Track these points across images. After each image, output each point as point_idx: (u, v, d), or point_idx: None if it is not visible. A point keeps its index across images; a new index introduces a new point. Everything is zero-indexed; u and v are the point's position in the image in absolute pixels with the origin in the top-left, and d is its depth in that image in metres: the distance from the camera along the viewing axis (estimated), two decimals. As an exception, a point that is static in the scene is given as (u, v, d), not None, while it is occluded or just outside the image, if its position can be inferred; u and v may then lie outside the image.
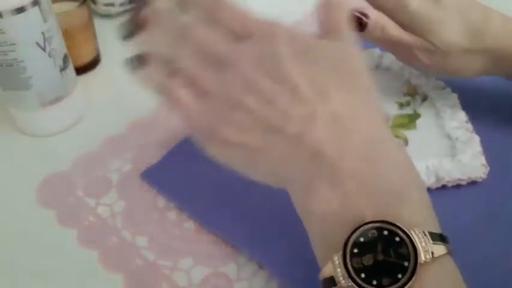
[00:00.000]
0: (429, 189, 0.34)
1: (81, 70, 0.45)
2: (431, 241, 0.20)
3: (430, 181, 0.33)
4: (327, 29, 0.27)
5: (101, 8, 0.53)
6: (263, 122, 0.23)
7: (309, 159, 0.23)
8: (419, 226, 0.21)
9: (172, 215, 0.33)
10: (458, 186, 0.34)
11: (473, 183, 0.34)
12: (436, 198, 0.33)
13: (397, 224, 0.20)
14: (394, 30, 0.36)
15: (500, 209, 0.33)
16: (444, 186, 0.34)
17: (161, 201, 0.33)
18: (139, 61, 0.28)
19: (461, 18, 0.35)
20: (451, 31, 0.34)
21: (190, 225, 0.32)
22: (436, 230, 0.22)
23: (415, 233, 0.20)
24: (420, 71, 0.42)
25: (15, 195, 0.34)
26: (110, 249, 0.30)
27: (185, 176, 0.34)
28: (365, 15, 0.36)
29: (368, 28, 0.36)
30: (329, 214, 0.21)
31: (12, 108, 0.38)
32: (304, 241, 0.24)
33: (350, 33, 0.27)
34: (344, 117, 0.23)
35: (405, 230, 0.20)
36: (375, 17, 0.36)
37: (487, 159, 0.35)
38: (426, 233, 0.20)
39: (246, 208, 0.33)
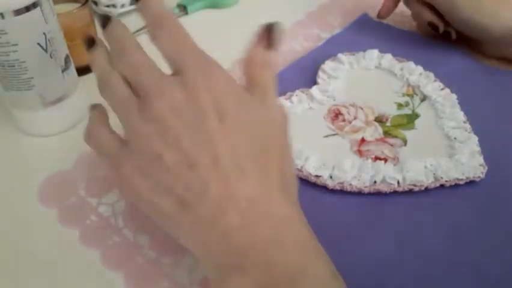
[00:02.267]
0: (427, 189, 0.34)
1: (82, 71, 0.45)
2: None
3: (429, 181, 0.34)
4: (252, 84, 0.27)
5: (102, 9, 0.53)
6: (178, 189, 0.23)
7: (218, 243, 0.23)
8: None
9: (173, 214, 0.33)
10: (456, 186, 0.34)
11: (471, 183, 0.34)
12: (434, 198, 0.34)
13: None
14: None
15: (498, 209, 0.33)
16: (442, 186, 0.34)
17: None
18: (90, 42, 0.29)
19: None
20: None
21: (191, 224, 0.32)
22: None
23: None
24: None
25: (17, 195, 0.34)
26: (112, 248, 0.31)
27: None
28: (437, 25, 0.47)
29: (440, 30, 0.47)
30: None
31: (14, 109, 0.38)
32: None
33: (274, 94, 0.28)
34: (258, 203, 0.23)
35: None
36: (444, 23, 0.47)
37: (485, 159, 0.35)
38: None
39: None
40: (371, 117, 0.40)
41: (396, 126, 0.39)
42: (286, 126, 0.28)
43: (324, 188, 0.34)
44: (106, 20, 0.28)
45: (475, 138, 0.37)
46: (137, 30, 0.52)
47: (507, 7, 0.43)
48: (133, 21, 0.54)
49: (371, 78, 0.45)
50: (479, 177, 0.34)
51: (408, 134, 0.38)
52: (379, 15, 0.53)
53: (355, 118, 0.40)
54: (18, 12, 0.32)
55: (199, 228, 0.23)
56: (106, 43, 0.29)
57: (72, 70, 0.38)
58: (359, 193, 0.34)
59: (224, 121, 0.24)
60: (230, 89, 0.26)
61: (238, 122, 0.25)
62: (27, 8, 0.32)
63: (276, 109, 0.28)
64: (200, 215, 0.23)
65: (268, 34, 0.28)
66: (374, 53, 0.46)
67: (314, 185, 0.34)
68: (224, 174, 0.23)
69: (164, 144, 0.24)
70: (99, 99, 0.43)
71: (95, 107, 0.30)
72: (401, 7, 0.55)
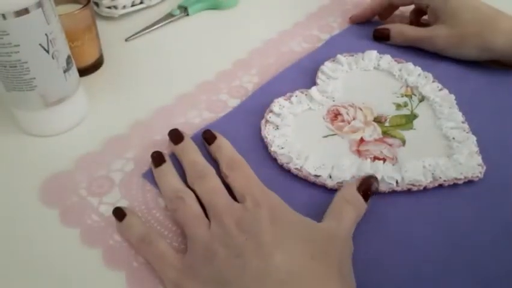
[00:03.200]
0: (426, 189, 0.34)
1: (84, 71, 0.45)
2: None
3: (427, 180, 0.34)
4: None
5: (103, 11, 0.53)
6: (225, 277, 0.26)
7: None
8: None
9: (174, 213, 0.33)
10: (455, 185, 0.34)
11: (469, 182, 0.35)
12: (433, 198, 0.34)
13: None
14: (411, 31, 0.48)
15: (496, 208, 0.33)
16: (441, 186, 0.34)
17: (162, 201, 0.34)
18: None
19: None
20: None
21: (191, 223, 0.32)
22: None
23: None
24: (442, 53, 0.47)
25: (18, 194, 0.35)
26: (113, 247, 0.31)
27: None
28: (386, 29, 0.50)
29: (391, 36, 0.49)
30: None
31: (16, 109, 0.38)
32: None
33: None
34: None
35: None
36: (394, 26, 0.49)
37: (483, 159, 0.36)
38: None
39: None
40: (370, 118, 0.40)
41: (395, 126, 0.39)
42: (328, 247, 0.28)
43: (323, 187, 0.34)
44: (178, 137, 0.36)
45: (473, 138, 0.37)
46: (139, 31, 0.53)
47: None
48: (134, 22, 0.54)
49: (369, 79, 0.45)
50: (477, 177, 0.35)
51: (406, 134, 0.38)
52: (351, 18, 0.55)
53: (354, 118, 0.40)
54: (20, 13, 0.32)
55: None
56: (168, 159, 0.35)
57: (74, 71, 0.39)
58: (358, 193, 0.34)
59: (275, 226, 0.28)
60: (289, 217, 0.30)
61: (287, 229, 0.28)
62: (29, 9, 0.32)
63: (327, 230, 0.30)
64: None
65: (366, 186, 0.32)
66: (373, 54, 0.46)
67: (313, 185, 0.34)
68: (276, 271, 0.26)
69: (217, 242, 0.28)
70: (101, 99, 0.43)
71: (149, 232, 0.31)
72: (401, 7, 0.56)
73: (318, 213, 0.31)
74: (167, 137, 0.37)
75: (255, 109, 0.41)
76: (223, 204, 0.30)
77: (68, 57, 0.38)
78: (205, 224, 0.30)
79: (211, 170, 0.33)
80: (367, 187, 0.32)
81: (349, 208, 0.31)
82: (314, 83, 0.44)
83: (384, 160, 0.36)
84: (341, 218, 0.30)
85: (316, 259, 0.26)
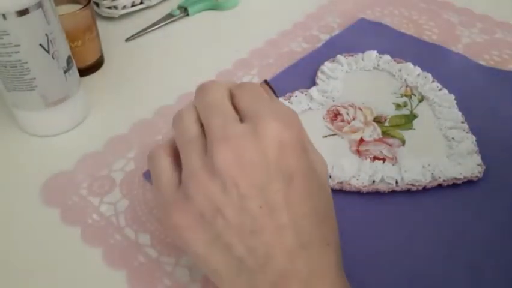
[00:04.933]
0: (425, 188, 0.34)
1: (84, 71, 0.45)
2: None
3: (426, 180, 0.34)
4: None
5: (104, 11, 0.53)
6: (239, 251, 0.22)
7: None
8: None
9: (174, 213, 0.33)
10: (454, 185, 0.34)
11: (469, 182, 0.35)
12: (432, 198, 0.34)
13: None
14: None
15: (496, 208, 0.33)
16: (440, 186, 0.34)
17: (163, 200, 0.34)
18: None
19: None
20: None
21: (191, 223, 0.32)
22: None
23: None
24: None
25: (19, 194, 0.35)
26: (114, 246, 0.31)
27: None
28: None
29: None
30: None
31: (16, 109, 0.38)
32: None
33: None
34: (318, 277, 0.22)
35: None
36: None
37: (482, 159, 0.36)
38: None
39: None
40: (370, 118, 0.40)
41: (395, 126, 0.39)
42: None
43: (323, 187, 0.34)
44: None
45: (472, 138, 0.37)
46: (139, 31, 0.53)
47: None
48: (134, 22, 0.54)
49: (369, 79, 0.45)
50: (476, 176, 0.35)
51: (406, 134, 0.39)
52: None
53: (354, 118, 0.40)
54: (20, 13, 0.32)
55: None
56: None
57: (74, 71, 0.39)
58: (358, 192, 0.34)
59: (291, 184, 0.23)
60: (299, 144, 0.24)
61: (305, 186, 0.23)
62: (29, 9, 0.32)
63: (321, 161, 0.26)
64: (258, 282, 0.22)
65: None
66: (373, 54, 0.46)
67: (313, 185, 0.35)
68: (289, 245, 0.22)
69: (226, 201, 0.22)
70: (101, 99, 0.43)
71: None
72: (400, 8, 0.56)
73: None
74: (167, 137, 0.37)
75: (255, 109, 0.41)
76: (219, 123, 0.23)
77: (69, 57, 0.38)
78: (200, 151, 0.24)
79: (216, 83, 0.26)
80: None
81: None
82: (314, 83, 0.44)
83: (383, 160, 0.36)
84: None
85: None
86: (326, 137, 0.38)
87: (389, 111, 0.41)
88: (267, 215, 0.22)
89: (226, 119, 0.24)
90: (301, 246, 0.22)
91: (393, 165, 0.35)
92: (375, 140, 0.38)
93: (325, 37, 0.52)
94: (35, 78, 0.35)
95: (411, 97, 0.42)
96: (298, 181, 0.23)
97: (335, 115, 0.40)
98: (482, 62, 0.48)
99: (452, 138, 0.37)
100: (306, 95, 0.42)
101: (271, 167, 0.22)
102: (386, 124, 0.40)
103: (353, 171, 0.35)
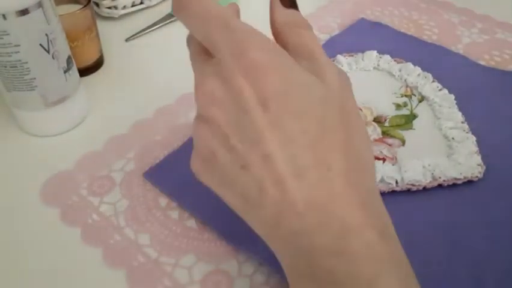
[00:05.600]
0: (425, 189, 0.34)
1: (84, 72, 0.45)
2: None
3: (426, 180, 0.34)
4: (293, 52, 0.23)
5: (104, 11, 0.53)
6: (237, 188, 0.22)
7: (282, 244, 0.21)
8: None
9: (174, 213, 0.33)
10: (454, 185, 0.34)
11: (469, 182, 0.35)
12: (432, 198, 0.34)
13: None
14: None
15: (496, 209, 0.33)
16: (440, 186, 0.34)
17: (163, 200, 0.34)
18: None
19: None
20: None
21: (191, 223, 0.32)
22: None
23: None
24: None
25: (19, 194, 0.35)
26: (114, 246, 0.31)
27: (187, 175, 0.35)
28: None
29: None
30: None
31: (16, 109, 0.38)
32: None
33: (324, 56, 0.23)
34: (319, 206, 0.20)
35: None
36: None
37: (483, 159, 0.36)
38: None
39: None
40: (370, 118, 0.40)
41: (395, 126, 0.39)
42: (349, 95, 0.23)
43: (323, 187, 0.34)
44: None
45: (472, 138, 0.37)
46: (139, 31, 0.53)
47: None
48: (135, 23, 0.54)
49: (369, 79, 0.45)
50: (476, 177, 0.35)
51: (406, 134, 0.39)
52: None
53: (354, 118, 0.40)
54: (20, 13, 0.32)
55: (263, 227, 0.22)
56: None
57: (74, 71, 0.39)
58: (358, 192, 0.34)
59: (268, 108, 0.21)
60: (271, 63, 0.21)
61: (284, 106, 0.21)
62: (29, 9, 0.32)
63: (332, 75, 0.23)
64: (261, 217, 0.21)
65: None
66: (373, 54, 0.46)
67: (313, 185, 0.35)
68: (278, 174, 0.20)
69: (215, 143, 0.22)
70: (101, 99, 0.43)
71: None
72: (400, 8, 0.56)
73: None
74: (167, 137, 0.37)
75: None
76: (194, 60, 0.24)
77: (69, 57, 0.38)
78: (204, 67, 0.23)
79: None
80: None
81: (307, 35, 0.23)
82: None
83: (383, 160, 0.36)
84: (318, 63, 0.23)
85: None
86: (326, 137, 0.38)
87: (389, 111, 0.41)
88: (249, 149, 0.21)
89: (193, 56, 0.24)
90: (292, 174, 0.20)
91: (393, 165, 0.35)
92: (375, 140, 0.38)
93: (325, 37, 0.52)
94: (35, 78, 0.35)
95: (411, 97, 0.42)
96: (274, 104, 0.21)
97: (335, 115, 0.40)
98: (482, 62, 0.48)
99: (452, 138, 0.37)
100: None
101: (243, 99, 0.21)
102: (386, 124, 0.40)
103: (353, 171, 0.35)
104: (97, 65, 0.47)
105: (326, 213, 0.20)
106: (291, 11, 0.25)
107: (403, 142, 0.38)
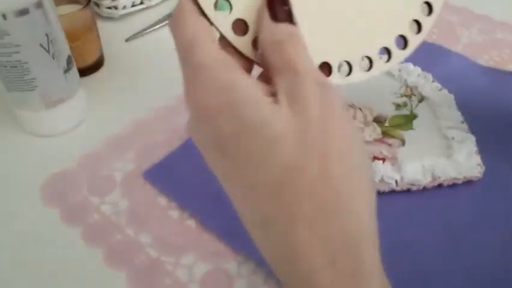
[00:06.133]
0: (425, 188, 0.34)
1: (84, 72, 0.45)
2: None
3: (426, 180, 0.34)
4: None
5: (104, 11, 0.53)
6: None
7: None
8: None
9: (174, 213, 0.33)
10: (454, 185, 0.35)
11: (468, 182, 0.35)
12: (432, 198, 0.34)
13: None
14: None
15: (495, 208, 0.33)
16: (440, 185, 0.34)
17: (163, 200, 0.34)
18: None
19: None
20: None
21: (191, 223, 0.32)
22: None
23: None
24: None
25: (20, 194, 0.35)
26: (115, 246, 0.31)
27: (187, 175, 0.35)
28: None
29: None
30: None
31: (17, 109, 0.38)
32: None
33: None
34: (288, 261, 0.19)
35: None
36: None
37: (482, 158, 0.36)
38: None
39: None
40: (370, 118, 0.40)
41: (395, 126, 0.39)
42: (332, 119, 0.19)
43: (323, 187, 0.34)
44: None
45: (472, 138, 0.37)
46: (139, 31, 0.53)
47: None
48: (135, 23, 0.54)
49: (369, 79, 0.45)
50: (476, 176, 0.35)
51: (406, 134, 0.39)
52: None
53: (354, 118, 0.40)
54: (20, 13, 0.32)
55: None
56: None
57: (74, 71, 0.39)
58: (358, 192, 0.34)
59: (225, 154, 0.19)
60: (218, 106, 0.19)
61: (238, 151, 0.19)
62: (29, 9, 0.32)
63: (310, 104, 0.19)
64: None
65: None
66: (373, 54, 0.46)
67: (313, 185, 0.35)
68: (247, 225, 0.21)
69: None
70: (101, 99, 0.43)
71: None
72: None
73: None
74: (167, 137, 0.37)
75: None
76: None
77: (69, 57, 0.38)
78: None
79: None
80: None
81: (291, 51, 0.20)
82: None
83: (383, 160, 0.36)
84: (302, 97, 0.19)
85: None
86: (325, 137, 0.38)
87: (389, 111, 0.41)
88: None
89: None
90: (256, 226, 0.20)
91: (393, 165, 0.35)
92: (375, 140, 0.38)
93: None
94: (35, 78, 0.35)
95: (411, 97, 0.42)
96: (231, 149, 0.19)
97: (334, 115, 0.40)
98: (482, 62, 0.48)
99: (452, 138, 0.37)
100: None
101: (204, 142, 0.20)
102: (386, 124, 0.40)
103: (352, 171, 0.35)
104: (97, 65, 0.47)
105: (293, 271, 0.19)
106: (279, 28, 0.20)
107: (403, 142, 0.38)
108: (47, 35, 0.35)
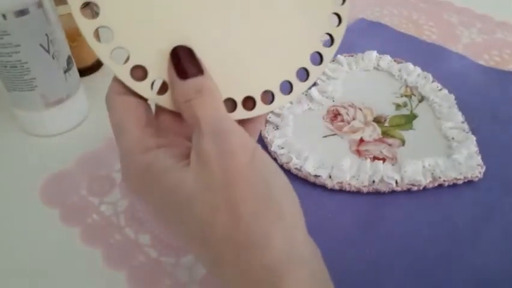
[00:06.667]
0: (425, 189, 0.34)
1: (84, 72, 0.45)
2: None
3: (426, 180, 0.34)
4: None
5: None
6: None
7: None
8: None
9: (174, 213, 0.33)
10: (454, 185, 0.35)
11: (469, 182, 0.35)
12: (433, 198, 0.34)
13: None
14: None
15: (496, 208, 0.33)
16: (440, 186, 0.34)
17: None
18: None
19: None
20: None
21: (191, 223, 0.32)
22: None
23: None
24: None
25: (19, 194, 0.35)
26: (114, 246, 0.31)
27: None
28: None
29: None
30: None
31: (17, 109, 0.38)
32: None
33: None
34: None
35: None
36: None
37: (483, 159, 0.36)
38: None
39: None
40: (370, 118, 0.40)
41: (395, 126, 0.39)
42: (231, 170, 0.20)
43: (323, 187, 0.34)
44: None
45: (472, 138, 0.37)
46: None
47: None
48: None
49: (369, 79, 0.45)
50: (477, 177, 0.35)
51: (406, 134, 0.39)
52: None
53: (354, 119, 0.40)
54: (20, 13, 0.32)
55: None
56: None
57: (74, 71, 0.39)
58: (358, 192, 0.34)
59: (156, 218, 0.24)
60: (134, 178, 0.23)
61: (158, 215, 0.23)
62: (29, 9, 0.32)
63: (210, 158, 0.20)
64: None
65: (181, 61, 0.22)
66: (373, 54, 0.46)
67: (313, 185, 0.35)
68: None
69: None
70: (101, 99, 0.43)
71: None
72: (400, 8, 0.56)
73: (317, 214, 0.31)
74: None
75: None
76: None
77: (69, 57, 0.38)
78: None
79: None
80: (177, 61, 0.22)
81: (196, 105, 0.21)
82: (314, 83, 0.44)
83: (383, 160, 0.36)
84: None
85: None
86: (326, 137, 0.38)
87: (389, 111, 0.41)
88: None
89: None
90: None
91: (393, 165, 0.35)
92: (375, 140, 0.38)
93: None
94: (35, 78, 0.35)
95: (411, 97, 0.42)
96: (153, 214, 0.24)
97: (335, 115, 0.40)
98: (482, 62, 0.48)
99: (452, 138, 0.37)
100: (306, 95, 0.42)
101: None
102: (386, 124, 0.40)
103: (352, 171, 0.35)
104: (97, 65, 0.47)
105: None
106: (187, 85, 0.22)
107: (403, 142, 0.38)
108: (47, 35, 0.34)
